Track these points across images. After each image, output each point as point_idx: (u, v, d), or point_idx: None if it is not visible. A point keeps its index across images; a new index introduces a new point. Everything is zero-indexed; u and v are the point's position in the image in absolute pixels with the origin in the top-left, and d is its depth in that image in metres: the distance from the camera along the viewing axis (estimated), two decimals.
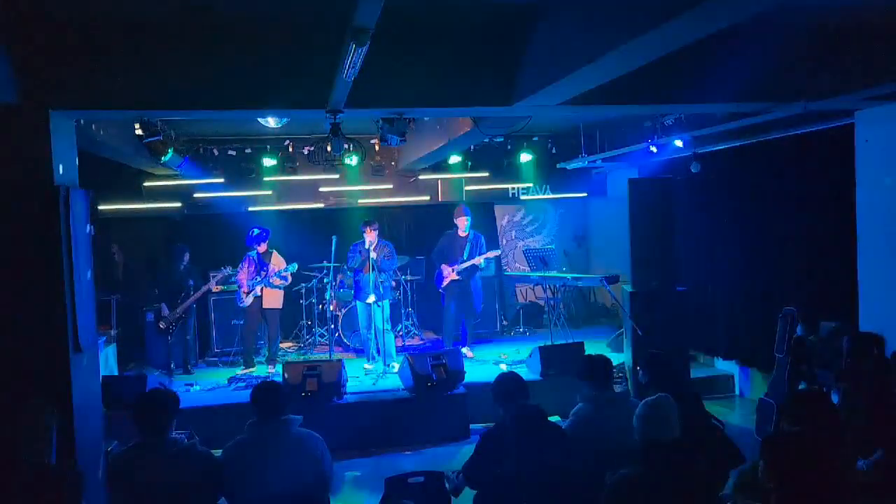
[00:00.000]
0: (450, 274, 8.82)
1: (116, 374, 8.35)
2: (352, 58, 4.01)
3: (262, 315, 8.67)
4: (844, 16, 5.22)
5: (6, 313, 4.77)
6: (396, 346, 8.94)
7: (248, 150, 9.69)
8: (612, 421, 4.09)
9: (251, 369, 8.57)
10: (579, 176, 11.30)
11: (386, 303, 8.58)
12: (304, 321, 9.99)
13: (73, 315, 4.89)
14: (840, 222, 6.68)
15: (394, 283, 9.19)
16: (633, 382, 7.25)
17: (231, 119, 8.14)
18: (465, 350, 8.68)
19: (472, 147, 10.03)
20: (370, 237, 8.36)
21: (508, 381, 4.22)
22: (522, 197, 11.61)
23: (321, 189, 10.68)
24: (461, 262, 8.83)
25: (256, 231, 8.63)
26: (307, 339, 9.94)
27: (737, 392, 8.46)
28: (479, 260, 8.95)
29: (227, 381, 8.15)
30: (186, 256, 8.81)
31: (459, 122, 7.63)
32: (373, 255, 8.30)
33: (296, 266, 8.71)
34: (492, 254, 9.59)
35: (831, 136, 6.75)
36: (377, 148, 9.85)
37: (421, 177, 11.04)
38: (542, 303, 11.01)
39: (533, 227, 12.33)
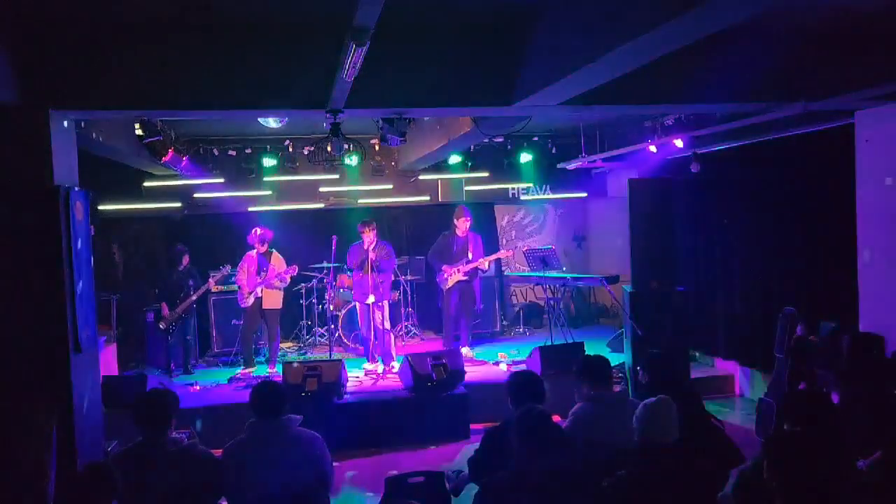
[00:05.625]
0: (455, 274, 8.80)
1: (116, 374, 8.35)
2: (352, 58, 4.01)
3: (262, 315, 8.67)
4: (844, 16, 5.22)
5: (6, 313, 4.78)
6: (396, 347, 8.94)
7: (248, 150, 9.69)
8: (611, 421, 4.08)
9: (251, 369, 8.57)
10: (579, 176, 11.29)
11: (385, 303, 8.58)
12: (304, 321, 9.99)
13: (73, 315, 4.89)
14: (840, 222, 6.68)
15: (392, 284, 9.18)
16: (632, 382, 7.24)
17: (231, 119, 8.14)
18: (464, 350, 8.68)
19: (472, 147, 10.03)
20: (368, 237, 8.35)
21: (520, 382, 4.21)
22: (522, 197, 11.61)
23: (321, 189, 10.67)
24: (467, 263, 8.82)
25: (259, 231, 8.64)
26: (307, 339, 9.94)
27: (737, 392, 8.46)
28: (486, 262, 8.95)
29: (227, 381, 8.15)
30: (186, 257, 8.82)
31: (459, 122, 7.63)
32: (371, 255, 8.30)
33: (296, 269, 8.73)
34: (503, 254, 9.59)
35: (831, 136, 6.75)
36: (377, 148, 9.85)
37: (421, 177, 11.04)
38: (542, 303, 11.01)
39: (533, 227, 12.34)
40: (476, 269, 8.92)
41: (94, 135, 6.55)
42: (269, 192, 10.42)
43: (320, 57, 4.97)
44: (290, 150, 9.75)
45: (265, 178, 10.08)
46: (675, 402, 3.54)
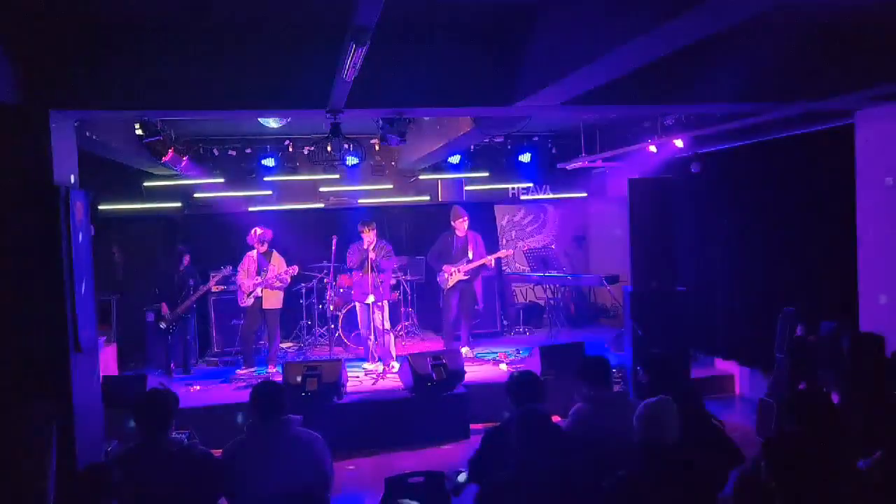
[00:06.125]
0: (455, 273, 8.81)
1: (116, 374, 8.35)
2: (352, 58, 4.01)
3: (262, 315, 8.67)
4: (844, 16, 5.22)
5: (7, 313, 4.78)
6: (396, 347, 8.94)
7: (248, 150, 9.69)
8: (611, 421, 4.08)
9: (251, 369, 8.57)
10: (579, 176, 11.30)
11: (385, 303, 8.58)
12: (304, 321, 9.99)
13: (73, 315, 4.89)
14: (840, 222, 6.68)
15: (393, 282, 9.17)
16: (633, 382, 7.24)
17: (231, 119, 8.14)
18: (465, 350, 8.68)
19: (472, 147, 10.03)
20: (368, 237, 8.35)
21: (519, 383, 4.21)
22: (522, 197, 11.61)
23: (321, 189, 10.67)
24: (468, 262, 8.83)
25: (259, 231, 8.64)
26: (307, 339, 9.94)
27: (737, 392, 8.46)
28: (491, 259, 8.96)
29: (227, 381, 8.15)
30: (187, 258, 8.81)
31: (459, 122, 7.63)
32: (371, 255, 8.30)
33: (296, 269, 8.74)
34: (503, 253, 9.60)
35: (831, 136, 6.75)
36: (377, 148, 9.85)
37: (421, 177, 11.04)
38: (542, 303, 11.01)
39: (533, 227, 12.34)
40: (478, 268, 8.92)
41: (93, 135, 6.55)
42: (269, 192, 10.42)
43: (320, 57, 4.97)
44: (290, 150, 9.75)
45: (265, 178, 10.09)
46: (675, 402, 3.54)
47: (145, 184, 10.01)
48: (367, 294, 8.34)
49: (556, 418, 3.87)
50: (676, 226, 7.74)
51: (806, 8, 4.97)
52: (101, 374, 5.79)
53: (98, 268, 5.64)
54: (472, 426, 7.18)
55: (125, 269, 10.25)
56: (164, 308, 8.66)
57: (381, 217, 10.51)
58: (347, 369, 7.55)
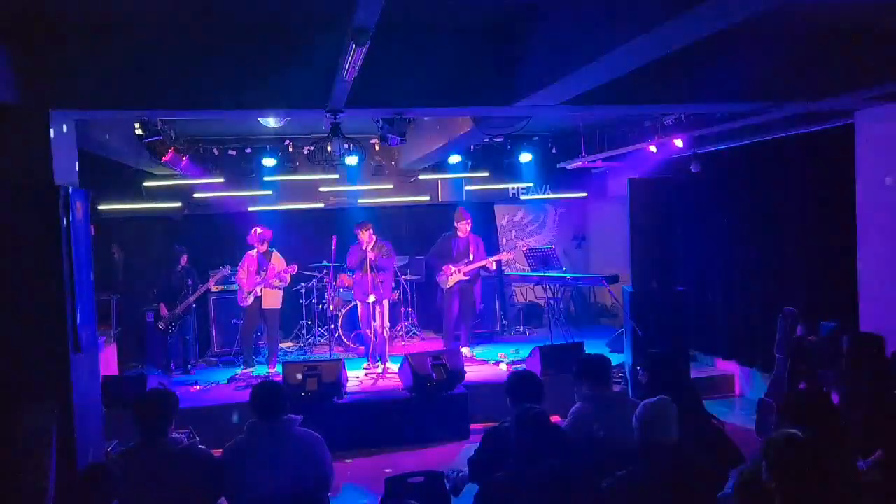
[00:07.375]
0: (455, 273, 8.80)
1: (116, 374, 8.35)
2: (352, 58, 4.01)
3: (262, 315, 8.67)
4: (844, 16, 5.22)
5: (6, 313, 4.78)
6: (396, 347, 8.93)
7: (248, 150, 9.69)
8: (611, 421, 4.08)
9: (251, 369, 8.57)
10: (579, 176, 11.30)
11: (386, 302, 8.58)
12: (304, 321, 9.99)
13: (73, 315, 4.89)
14: (840, 222, 6.68)
15: (392, 284, 9.17)
16: (632, 382, 7.24)
17: (231, 119, 8.14)
18: (465, 350, 8.68)
19: (472, 147, 10.02)
20: (364, 238, 8.36)
21: (518, 382, 4.21)
22: (522, 197, 11.61)
23: (321, 189, 10.67)
24: (469, 263, 8.83)
25: (259, 230, 8.64)
26: (307, 339, 9.94)
27: (737, 392, 8.46)
28: (492, 261, 8.96)
29: (227, 381, 8.16)
30: (184, 257, 8.82)
31: (459, 122, 7.63)
32: (370, 254, 8.30)
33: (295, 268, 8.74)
34: (505, 255, 9.60)
35: (831, 136, 6.75)
36: (377, 148, 9.85)
37: (421, 177, 11.04)
38: (542, 303, 11.00)
39: (533, 227, 12.33)
40: (478, 270, 8.92)
41: (93, 135, 6.55)
42: (269, 192, 10.42)
43: (320, 57, 4.97)
44: (290, 150, 9.75)
45: (265, 178, 10.09)
46: (674, 402, 3.54)
47: (145, 184, 10.00)
48: (368, 294, 8.35)
49: (555, 418, 3.87)
50: (676, 226, 7.74)
51: (805, 8, 4.97)
52: (101, 374, 5.79)
53: (98, 268, 5.64)
54: (472, 426, 7.17)
55: (125, 269, 10.25)
56: (163, 308, 8.66)
57: (381, 217, 10.50)
58: (347, 369, 7.55)
